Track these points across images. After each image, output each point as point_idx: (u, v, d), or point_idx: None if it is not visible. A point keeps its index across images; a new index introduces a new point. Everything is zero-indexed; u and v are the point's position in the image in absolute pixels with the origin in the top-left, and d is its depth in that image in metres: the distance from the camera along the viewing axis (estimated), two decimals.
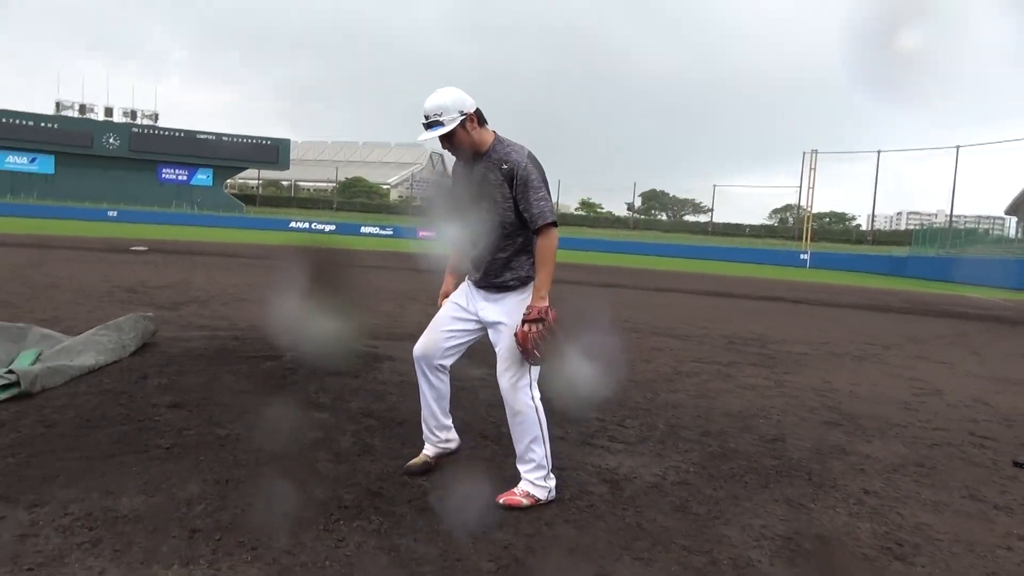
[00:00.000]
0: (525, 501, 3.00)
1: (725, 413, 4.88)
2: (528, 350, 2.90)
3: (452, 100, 2.91)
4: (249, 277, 13.35)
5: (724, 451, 3.99)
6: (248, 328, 7.00)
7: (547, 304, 2.95)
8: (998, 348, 10.44)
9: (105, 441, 3.42)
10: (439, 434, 3.36)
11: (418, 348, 3.23)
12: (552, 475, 3.10)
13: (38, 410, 3.82)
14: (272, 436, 3.69)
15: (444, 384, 3.28)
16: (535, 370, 3.06)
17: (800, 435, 4.44)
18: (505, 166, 2.95)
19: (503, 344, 3.05)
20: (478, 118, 2.99)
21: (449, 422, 3.39)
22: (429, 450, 3.37)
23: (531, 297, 3.00)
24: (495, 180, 2.97)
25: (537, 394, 3.07)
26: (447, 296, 3.32)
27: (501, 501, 2.99)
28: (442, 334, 3.19)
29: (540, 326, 2.91)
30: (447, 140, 2.96)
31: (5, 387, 3.98)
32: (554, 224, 2.96)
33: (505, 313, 3.05)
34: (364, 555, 2.47)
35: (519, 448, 3.08)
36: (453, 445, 3.43)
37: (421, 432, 3.40)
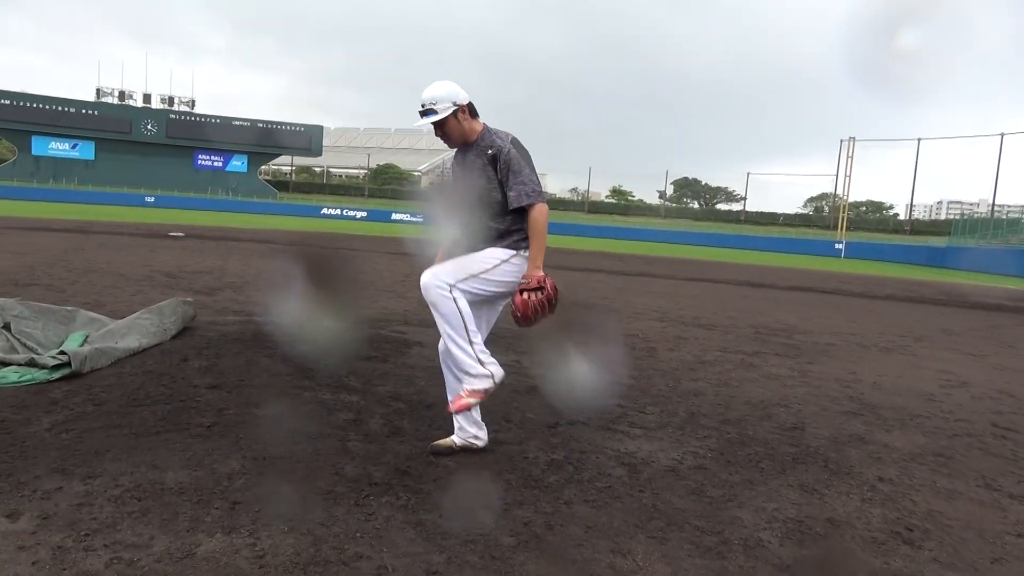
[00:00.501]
0: (472, 400, 3.19)
1: (746, 401, 4.95)
2: (527, 316, 3.11)
3: (447, 92, 3.19)
4: (282, 263, 13.64)
5: (742, 438, 4.08)
6: (280, 313, 7.21)
7: (543, 274, 3.16)
8: None
9: (150, 419, 3.63)
10: (469, 428, 3.46)
11: (441, 345, 3.41)
12: (491, 360, 3.24)
13: (87, 389, 4.05)
14: (306, 417, 3.87)
15: None
16: (468, 283, 3.20)
17: (820, 424, 4.50)
18: (490, 151, 3.21)
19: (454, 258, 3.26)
20: (470, 110, 3.26)
21: (478, 417, 3.48)
22: (457, 439, 3.47)
23: (527, 268, 3.22)
24: (480, 165, 3.22)
25: (461, 298, 3.18)
26: None
27: (452, 409, 3.20)
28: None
29: (539, 294, 3.12)
30: (439, 128, 3.23)
31: (57, 367, 4.22)
32: (538, 202, 3.17)
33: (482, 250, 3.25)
34: (392, 529, 2.62)
35: (449, 346, 3.22)
36: (480, 443, 3.48)
37: (447, 416, 3.53)
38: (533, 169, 3.24)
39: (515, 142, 3.25)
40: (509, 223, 3.25)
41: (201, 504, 2.70)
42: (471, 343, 3.21)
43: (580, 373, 4.52)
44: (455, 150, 3.44)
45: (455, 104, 3.19)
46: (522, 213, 3.24)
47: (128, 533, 2.45)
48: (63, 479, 2.84)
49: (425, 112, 3.20)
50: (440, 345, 3.41)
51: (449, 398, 3.49)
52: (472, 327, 3.21)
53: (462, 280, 3.20)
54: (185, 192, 67.87)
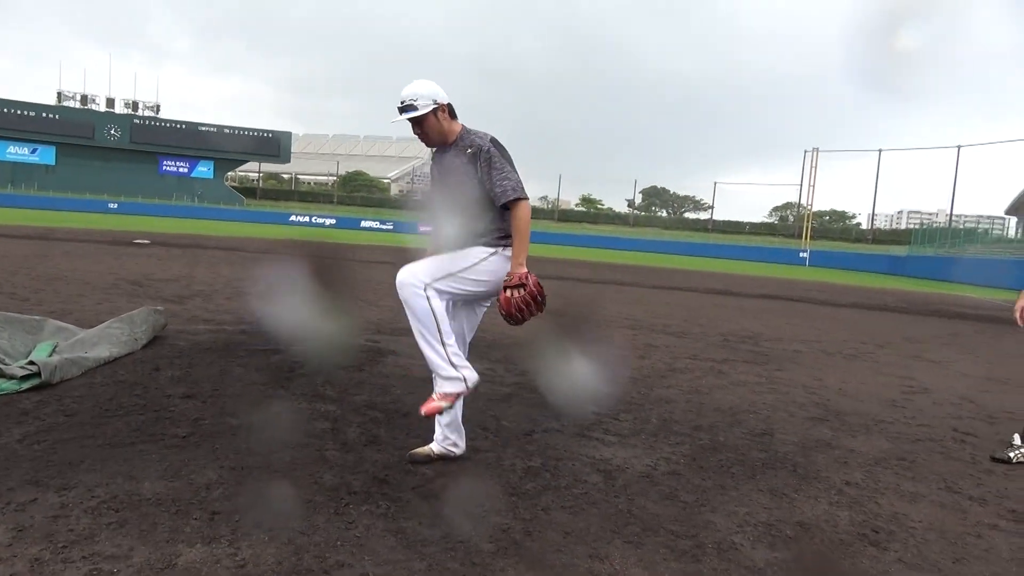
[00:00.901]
0: (444, 403, 3.15)
1: (716, 408, 5.05)
2: (512, 314, 3.12)
3: (428, 90, 3.20)
4: (251, 271, 13.51)
5: (714, 444, 4.17)
6: (254, 322, 7.17)
7: (526, 271, 3.16)
8: (991, 348, 10.61)
9: (124, 429, 3.60)
10: (450, 435, 3.48)
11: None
12: (464, 364, 3.21)
13: (58, 400, 4.00)
14: (283, 426, 3.87)
15: None
16: (444, 282, 3.18)
17: (787, 430, 4.62)
18: (470, 150, 3.23)
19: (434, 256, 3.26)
20: (449, 111, 3.28)
21: (459, 421, 3.50)
22: (435, 447, 3.50)
23: (510, 265, 3.21)
24: (461, 163, 3.24)
25: (435, 297, 3.15)
26: None
27: (423, 412, 3.16)
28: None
29: (522, 291, 3.12)
30: (418, 125, 3.23)
31: (26, 377, 4.15)
32: (522, 198, 3.19)
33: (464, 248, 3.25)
34: (373, 537, 2.64)
35: (421, 346, 3.19)
36: (457, 451, 3.52)
37: (425, 424, 3.56)
38: (514, 167, 3.26)
39: (494, 141, 3.27)
40: (488, 221, 3.26)
41: (180, 515, 2.69)
42: (444, 344, 3.17)
43: (556, 379, 4.57)
44: (432, 153, 3.45)
45: (435, 102, 3.20)
46: (502, 212, 3.24)
47: (106, 544, 2.43)
48: (37, 491, 2.81)
49: (404, 108, 3.19)
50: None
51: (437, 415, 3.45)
52: (445, 328, 3.18)
53: (439, 279, 3.17)
54: (149, 198, 66.67)
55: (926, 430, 4.89)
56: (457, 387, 3.18)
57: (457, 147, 3.28)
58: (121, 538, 2.49)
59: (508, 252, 3.27)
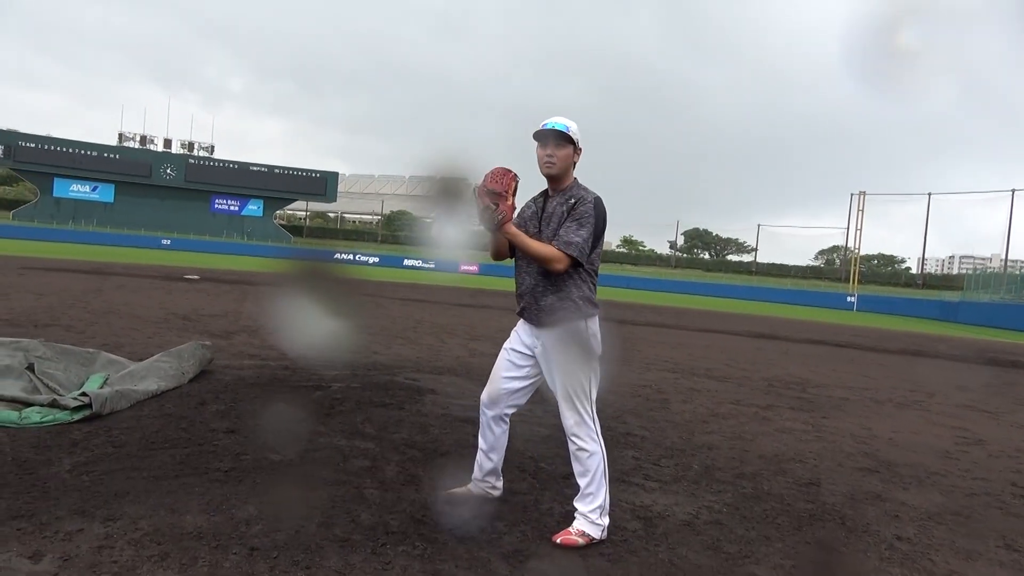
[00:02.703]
0: (581, 540, 3.07)
1: (760, 456, 4.93)
2: (488, 194, 3.05)
3: (577, 130, 3.21)
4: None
5: (758, 493, 4.06)
6: (297, 358, 7.27)
7: (512, 217, 3.11)
8: None
9: (169, 462, 3.66)
10: (488, 479, 3.48)
11: (484, 396, 3.40)
12: (607, 515, 3.18)
13: (107, 431, 4.09)
14: (322, 463, 3.89)
15: (504, 434, 3.41)
16: (594, 404, 3.19)
17: (835, 480, 4.47)
18: (572, 200, 3.18)
19: (559, 384, 3.18)
20: (577, 159, 3.28)
21: (499, 469, 3.49)
22: (474, 487, 3.50)
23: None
24: (561, 213, 3.18)
25: (599, 427, 3.20)
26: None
27: (558, 541, 3.06)
28: (502, 382, 3.34)
29: (498, 205, 3.04)
30: (558, 147, 3.16)
31: (78, 408, 4.27)
32: (572, 258, 3.09)
33: (555, 349, 3.19)
34: None
35: (582, 484, 3.16)
36: (496, 493, 3.52)
37: (463, 464, 3.55)
38: (595, 234, 3.15)
39: (598, 200, 3.20)
40: (578, 279, 3.18)
41: (219, 549, 2.72)
42: (607, 490, 3.19)
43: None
44: (535, 194, 3.39)
45: (578, 145, 3.22)
46: (593, 275, 3.24)
47: None
48: (84, 521, 2.87)
49: (561, 127, 3.15)
50: (479, 429, 3.42)
51: (478, 457, 3.46)
52: (608, 467, 3.22)
53: (592, 402, 3.19)
54: (201, 235, 68.80)
55: (982, 484, 4.70)
56: (596, 532, 3.13)
57: (564, 195, 3.22)
58: (162, 571, 2.51)
59: (596, 318, 3.24)
